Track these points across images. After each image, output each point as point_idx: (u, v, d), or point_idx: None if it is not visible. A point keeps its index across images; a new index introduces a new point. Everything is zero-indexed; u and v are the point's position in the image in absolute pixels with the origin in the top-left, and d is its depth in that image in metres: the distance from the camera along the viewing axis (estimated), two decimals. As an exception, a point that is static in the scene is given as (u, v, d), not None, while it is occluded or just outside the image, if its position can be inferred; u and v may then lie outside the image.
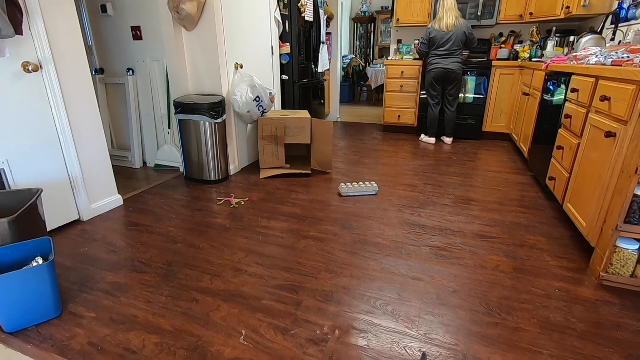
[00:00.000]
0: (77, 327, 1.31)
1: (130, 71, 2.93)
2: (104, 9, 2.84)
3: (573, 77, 2.10)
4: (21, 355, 1.17)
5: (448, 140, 3.95)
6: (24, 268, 1.27)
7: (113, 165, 2.31)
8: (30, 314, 1.28)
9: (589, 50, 2.18)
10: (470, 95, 3.98)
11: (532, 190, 2.59)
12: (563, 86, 2.26)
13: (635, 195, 1.41)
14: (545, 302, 1.44)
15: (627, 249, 1.48)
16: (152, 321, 1.33)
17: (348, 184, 2.55)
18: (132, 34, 2.85)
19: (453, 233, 1.99)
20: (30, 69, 1.75)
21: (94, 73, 2.96)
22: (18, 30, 1.63)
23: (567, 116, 2.07)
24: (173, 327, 1.30)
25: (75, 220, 2.11)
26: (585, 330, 1.29)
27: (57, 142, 1.94)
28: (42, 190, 1.57)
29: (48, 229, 1.88)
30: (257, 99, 2.72)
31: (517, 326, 1.31)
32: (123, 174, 2.90)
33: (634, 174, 1.37)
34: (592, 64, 1.94)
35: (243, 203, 2.37)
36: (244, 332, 1.28)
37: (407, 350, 1.21)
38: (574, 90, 2.04)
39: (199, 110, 2.53)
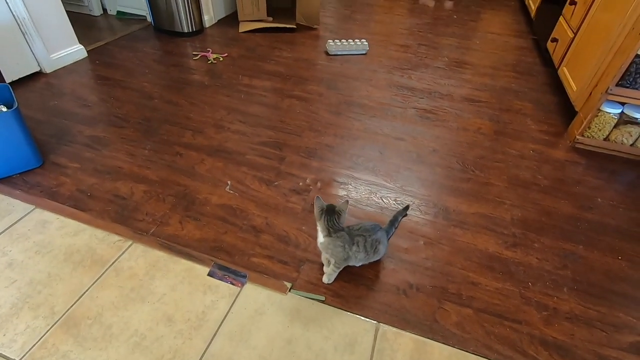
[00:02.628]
0: (62, 175, 1.32)
1: None
2: None
3: None
4: (12, 199, 1.21)
5: (451, -5, 3.51)
6: (-12, 116, 1.19)
7: (68, 12, 1.99)
8: (9, 162, 1.26)
9: None
10: (486, -63, 3.36)
11: (530, 55, 2.45)
12: None
13: (637, 55, 1.34)
14: (517, 162, 1.51)
15: (609, 113, 1.49)
16: (138, 172, 1.36)
17: (336, 41, 2.33)
18: None
19: (441, 96, 1.94)
20: None
21: None
22: None
23: (592, -38, 1.79)
24: (159, 178, 1.34)
25: (37, 73, 1.92)
26: (548, 185, 1.40)
27: (-13, -29, 1.60)
28: (-16, 30, 1.36)
29: (7, 81, 1.73)
30: None
31: (487, 181, 1.40)
32: (82, 22, 2.54)
33: (645, 31, 1.27)
34: None
35: (222, 59, 2.18)
36: (229, 182, 1.33)
37: (383, 199, 1.30)
38: None
39: (159, -62, 2.06)
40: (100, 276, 1.00)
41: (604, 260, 1.13)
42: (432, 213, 1.26)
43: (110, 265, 1.03)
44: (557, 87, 2.03)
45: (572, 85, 1.71)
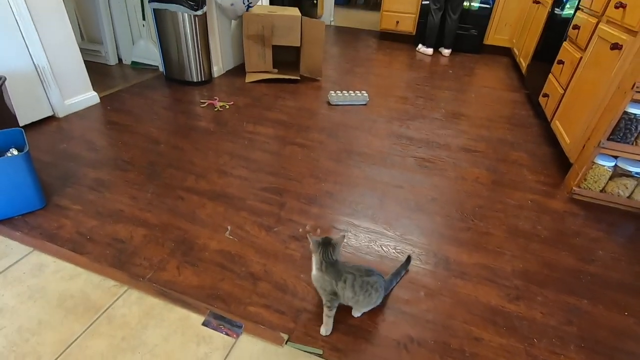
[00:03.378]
0: (63, 217, 1.33)
1: (92, -55, 2.51)
2: None
3: (592, -19, 1.90)
4: (11, 241, 1.21)
5: (446, 52, 3.74)
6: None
7: (86, 61, 2.12)
8: (13, 203, 1.28)
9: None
10: (476, 3, 3.65)
11: (524, 108, 2.55)
12: (578, -8, 2.06)
13: (625, 112, 1.40)
14: (516, 212, 1.52)
15: (604, 165, 1.52)
16: (139, 215, 1.37)
17: (338, 92, 2.45)
18: None
19: (439, 146, 1.99)
20: None
21: (48, -55, 2.51)
22: None
23: (575, 27, 1.94)
24: (159, 221, 1.34)
25: (50, 117, 2.00)
26: (548, 236, 1.40)
27: (15, 26, 1.72)
28: (5, 78, 1.44)
29: (21, 124, 1.79)
30: (242, -10, 2.42)
31: (486, 231, 1.40)
32: (97, 71, 2.69)
33: (629, 90, 1.34)
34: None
35: (227, 107, 2.28)
36: (229, 227, 1.33)
37: (383, 248, 1.29)
38: (589, -3, 1.87)
39: (176, -1, 2.25)
40: (92, 324, 0.97)
41: (610, 316, 1.10)
42: (433, 263, 1.24)
43: (103, 312, 1.00)
44: (551, 139, 2.09)
45: (565, 138, 1.76)
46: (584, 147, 1.58)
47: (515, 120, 2.35)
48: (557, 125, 1.90)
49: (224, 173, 1.65)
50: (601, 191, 1.58)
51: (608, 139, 1.47)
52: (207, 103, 2.31)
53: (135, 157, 1.73)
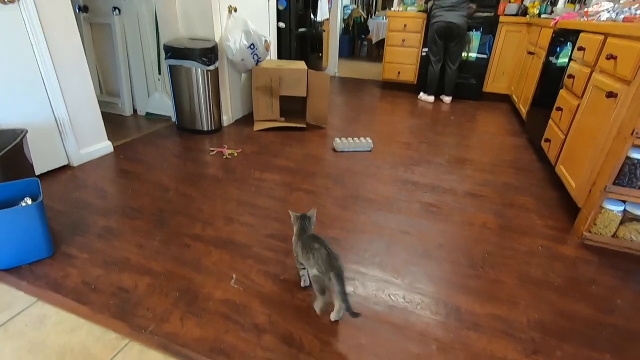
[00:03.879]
0: (70, 266, 1.33)
1: (116, 10, 2.74)
2: (84, -63, 2.59)
3: (581, 34, 2.01)
4: (16, 291, 1.20)
5: (447, 99, 3.87)
6: (13, 207, 1.26)
7: (103, 112, 2.24)
8: (22, 252, 1.29)
9: (602, 6, 2.07)
10: (473, 54, 3.85)
11: (526, 152, 2.59)
12: (570, 44, 2.18)
13: (627, 158, 1.41)
14: (527, 258, 1.49)
15: (612, 210, 1.51)
16: (144, 264, 1.36)
17: (343, 139, 2.52)
18: (117, -33, 2.63)
19: (444, 191, 2.00)
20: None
21: (77, 10, 2.76)
22: (-11, -46, 1.49)
23: (570, 76, 2.02)
24: (165, 270, 1.33)
25: (65, 166, 2.08)
26: (562, 284, 1.35)
27: (40, 82, 1.85)
28: (26, 131, 1.52)
29: (37, 173, 1.85)
30: (252, 46, 2.59)
31: (497, 279, 1.36)
32: (113, 121, 2.82)
33: (630, 136, 1.36)
34: (603, 21, 1.85)
35: (236, 154, 2.35)
36: (234, 276, 1.32)
37: (392, 297, 1.26)
38: (580, 49, 1.96)
39: (190, 56, 2.41)
40: (90, 380, 0.94)
41: (637, 372, 1.03)
42: (443, 313, 1.20)
43: (103, 368, 0.97)
44: (557, 183, 2.10)
45: (570, 182, 1.77)
46: (590, 191, 1.57)
47: (519, 165, 2.37)
48: (562, 170, 1.91)
49: (230, 220, 1.66)
50: (613, 236, 1.55)
51: (614, 184, 1.47)
52: (216, 151, 2.38)
53: (145, 204, 1.75)
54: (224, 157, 2.31)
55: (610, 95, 1.51)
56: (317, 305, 1.15)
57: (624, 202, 1.52)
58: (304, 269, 1.23)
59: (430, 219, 1.73)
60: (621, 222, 1.53)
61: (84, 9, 2.84)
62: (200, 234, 1.55)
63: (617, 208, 1.51)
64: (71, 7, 1.91)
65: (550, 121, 2.25)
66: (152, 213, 1.69)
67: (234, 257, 1.42)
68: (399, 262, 1.43)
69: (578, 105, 1.86)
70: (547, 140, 2.23)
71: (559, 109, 2.11)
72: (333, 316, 1.13)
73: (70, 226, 1.56)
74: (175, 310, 1.16)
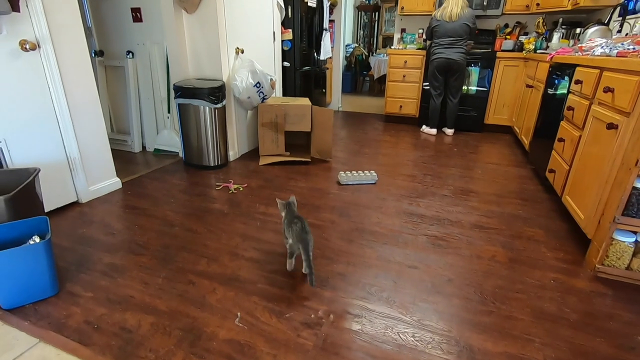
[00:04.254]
0: (73, 305, 1.32)
1: (130, 54, 2.90)
2: (103, -11, 2.79)
3: (577, 68, 2.07)
4: (18, 332, 1.19)
5: (449, 131, 3.93)
6: (21, 246, 1.27)
7: (112, 149, 2.30)
8: (27, 292, 1.29)
9: (595, 42, 2.15)
10: (473, 87, 3.95)
11: (532, 183, 2.58)
12: (567, 78, 2.23)
13: (634, 188, 1.40)
14: (539, 292, 1.44)
15: (624, 241, 1.48)
16: (148, 302, 1.34)
17: (347, 172, 2.54)
18: (132, 15, 2.81)
19: (451, 223, 1.99)
20: (27, 47, 1.73)
21: (93, 55, 2.92)
22: (15, 7, 1.60)
23: (570, 108, 2.06)
24: (169, 308, 1.31)
25: (74, 202, 2.11)
26: (578, 320, 1.30)
27: (54, 122, 1.93)
28: (39, 170, 1.56)
29: (46, 210, 1.88)
30: (258, 85, 2.70)
31: (510, 315, 1.32)
32: (122, 158, 2.89)
33: (634, 166, 1.36)
34: (597, 55, 1.91)
35: (241, 189, 2.37)
36: (239, 314, 1.29)
37: (401, 335, 1.22)
38: (577, 82, 2.01)
39: (199, 95, 2.51)
40: None
41: (665, 417, 0.97)
42: (455, 352, 1.15)
43: (102, 414, 0.93)
44: (564, 213, 2.07)
45: (578, 213, 1.75)
46: (599, 222, 1.55)
47: (525, 196, 2.36)
48: (568, 201, 1.90)
49: (235, 255, 1.65)
50: (627, 268, 1.51)
51: (623, 214, 1.45)
52: (222, 186, 2.41)
53: (150, 240, 1.76)
54: (230, 191, 2.33)
55: (611, 126, 1.53)
56: (289, 265, 1.53)
57: (635, 233, 1.49)
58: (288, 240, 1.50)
59: (437, 253, 1.71)
60: (634, 254, 1.49)
61: (99, 53, 3.00)
62: (205, 270, 1.54)
63: (628, 239, 1.48)
64: (88, 53, 2.03)
65: (553, 152, 2.26)
66: (157, 249, 1.68)
67: (238, 293, 1.40)
68: (407, 298, 1.40)
69: (580, 137, 1.88)
70: (551, 170, 2.23)
71: (561, 140, 2.13)
72: (304, 270, 1.45)
73: (76, 263, 1.56)
74: (178, 351, 1.13)
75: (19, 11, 1.64)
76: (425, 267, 1.59)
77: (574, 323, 1.29)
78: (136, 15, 2.79)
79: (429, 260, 1.64)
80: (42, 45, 1.80)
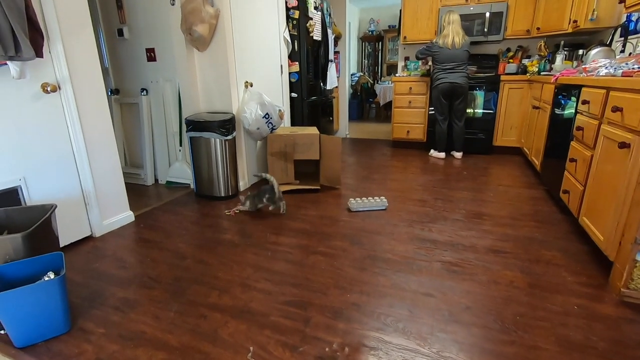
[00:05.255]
0: (85, 342, 1.30)
1: (144, 91, 3.02)
2: (120, 32, 2.96)
3: (583, 89, 2.08)
4: (30, 371, 1.17)
5: (458, 155, 3.93)
6: (35, 282, 1.28)
7: (126, 183, 2.35)
8: (40, 329, 1.28)
9: (598, 62, 2.17)
10: (479, 110, 3.98)
11: (546, 204, 2.53)
12: (573, 98, 2.24)
13: (653, 207, 1.37)
14: (563, 320, 1.38)
15: (648, 264, 1.42)
16: (160, 337, 1.32)
17: (357, 199, 2.54)
18: (147, 55, 2.95)
19: (465, 248, 1.94)
20: (48, 89, 1.82)
21: (109, 93, 3.05)
22: (39, 53, 1.70)
23: (579, 128, 2.05)
24: (180, 344, 1.29)
25: (88, 236, 2.13)
26: (607, 349, 1.24)
27: (72, 159, 1.99)
28: (55, 206, 1.60)
29: (61, 245, 1.91)
30: (267, 116, 2.76)
31: (534, 344, 1.26)
32: (135, 191, 2.95)
33: (651, 185, 1.33)
34: (602, 76, 1.92)
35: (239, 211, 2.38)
36: (251, 348, 1.26)
37: (419, 368, 1.17)
38: (584, 102, 2.02)
39: (210, 128, 2.58)
40: None
41: None
42: (478, 386, 1.10)
43: None
44: (582, 235, 2.02)
45: (597, 235, 1.70)
46: (620, 244, 1.50)
47: (540, 217, 2.31)
48: (586, 222, 1.85)
49: (247, 287, 1.63)
50: (654, 292, 1.44)
51: (644, 235, 1.40)
52: (232, 212, 2.43)
53: (162, 273, 1.76)
54: (228, 212, 2.34)
55: (623, 145, 1.51)
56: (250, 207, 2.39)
57: (659, 254, 1.44)
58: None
59: (453, 279, 1.66)
60: (660, 276, 1.43)
61: (115, 91, 3.14)
62: (217, 302, 1.52)
63: (652, 261, 1.42)
64: (105, 93, 2.12)
65: (565, 172, 2.23)
66: (169, 282, 1.68)
67: (250, 327, 1.37)
68: (425, 328, 1.35)
69: (592, 156, 1.86)
70: (565, 191, 2.19)
71: (572, 160, 2.10)
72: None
73: (88, 299, 1.56)
74: (190, 389, 1.10)
75: (42, 57, 1.74)
76: (441, 295, 1.55)
77: (603, 352, 1.22)
78: (150, 55, 2.94)
79: (444, 288, 1.60)
80: (62, 87, 1.89)
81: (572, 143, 2.16)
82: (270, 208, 2.34)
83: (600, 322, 1.36)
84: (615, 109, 1.61)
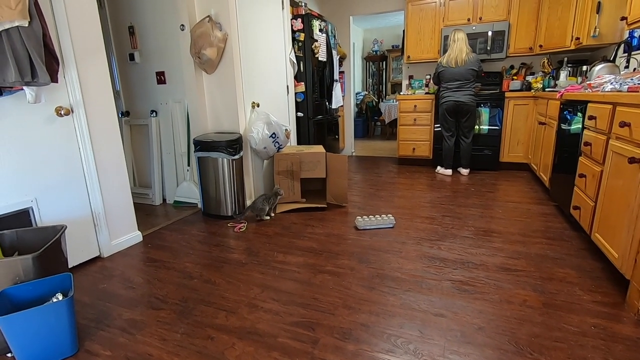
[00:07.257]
0: (91, 365, 1.29)
1: (154, 113, 3.09)
2: (131, 56, 3.06)
3: (589, 104, 2.08)
4: (35, 395, 1.16)
5: (465, 171, 3.91)
6: (44, 304, 1.29)
7: (134, 202, 2.37)
8: (47, 352, 1.27)
9: (603, 78, 2.18)
10: (485, 127, 3.98)
11: (556, 220, 2.49)
12: (579, 114, 2.24)
13: (667, 223, 1.34)
14: (580, 340, 1.34)
15: (666, 281, 1.38)
16: (166, 360, 1.31)
17: (364, 217, 2.53)
18: (157, 78, 3.04)
19: (475, 266, 1.91)
20: (62, 112, 1.87)
21: (120, 115, 3.13)
22: (54, 79, 1.76)
23: (587, 143, 2.04)
24: (187, 366, 1.27)
25: (96, 257, 2.14)
26: (628, 371, 1.19)
27: (82, 180, 2.03)
28: (65, 227, 1.61)
29: (70, 265, 1.92)
30: (273, 135, 2.80)
31: (551, 367, 1.22)
32: (143, 211, 2.97)
33: (664, 201, 1.31)
34: (608, 91, 1.93)
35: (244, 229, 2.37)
36: (259, 371, 1.23)
37: (432, 393, 1.13)
38: (591, 118, 2.01)
39: (217, 148, 2.61)
40: None
41: None
42: (494, 412, 1.05)
43: None
44: (595, 251, 1.97)
45: (612, 252, 1.66)
46: (635, 261, 1.47)
47: (551, 234, 2.27)
48: (599, 238, 1.81)
49: (254, 307, 1.61)
50: (674, 311, 1.40)
51: (660, 252, 1.37)
52: (236, 227, 2.43)
53: (169, 293, 1.75)
54: (231, 226, 2.33)
55: (633, 160, 1.50)
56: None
57: (677, 271, 1.40)
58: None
59: (464, 299, 1.62)
60: (680, 294, 1.38)
61: (126, 113, 3.21)
62: (224, 323, 1.50)
63: (670, 278, 1.38)
64: (116, 115, 2.18)
65: (575, 188, 2.21)
66: (176, 302, 1.67)
67: (258, 349, 1.35)
68: (436, 350, 1.31)
69: (601, 172, 1.84)
70: (576, 207, 2.16)
71: (582, 175, 2.08)
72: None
73: (96, 320, 1.55)
74: (196, 414, 1.08)
75: (57, 82, 1.80)
76: (452, 315, 1.51)
77: (624, 375, 1.17)
78: (160, 78, 3.02)
79: (455, 307, 1.56)
80: (75, 111, 1.95)
81: (581, 158, 2.15)
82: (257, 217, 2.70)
83: (619, 343, 1.31)
84: (623, 124, 1.61)
